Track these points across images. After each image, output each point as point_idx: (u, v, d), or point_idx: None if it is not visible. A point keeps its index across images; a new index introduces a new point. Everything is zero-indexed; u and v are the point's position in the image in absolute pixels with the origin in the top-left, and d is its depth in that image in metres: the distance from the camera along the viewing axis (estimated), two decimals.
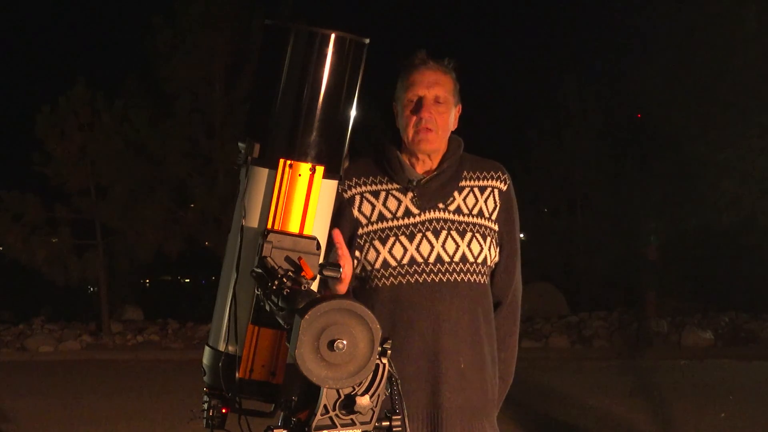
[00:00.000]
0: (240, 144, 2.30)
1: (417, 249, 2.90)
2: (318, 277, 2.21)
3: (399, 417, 2.04)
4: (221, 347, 2.29)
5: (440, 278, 2.89)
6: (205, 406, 2.31)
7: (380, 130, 15.49)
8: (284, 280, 2.05)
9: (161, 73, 16.60)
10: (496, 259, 3.00)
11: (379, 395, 1.96)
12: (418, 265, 2.89)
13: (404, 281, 2.89)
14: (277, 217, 2.23)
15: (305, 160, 2.24)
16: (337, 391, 1.93)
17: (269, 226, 2.22)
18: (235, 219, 2.29)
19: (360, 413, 1.94)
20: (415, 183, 2.92)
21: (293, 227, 2.22)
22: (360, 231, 2.92)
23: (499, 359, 3.03)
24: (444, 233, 2.91)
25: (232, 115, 16.49)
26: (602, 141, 19.88)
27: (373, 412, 1.96)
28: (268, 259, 2.15)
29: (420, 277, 2.89)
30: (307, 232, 2.23)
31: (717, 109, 16.31)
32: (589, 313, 16.68)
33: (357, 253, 2.91)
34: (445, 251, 2.90)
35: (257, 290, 2.15)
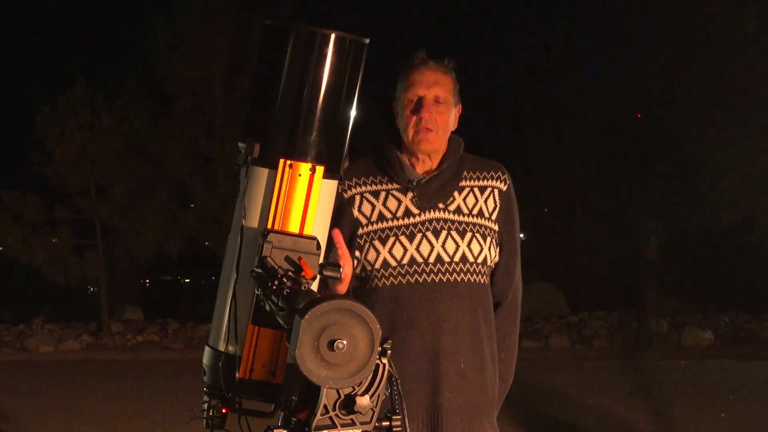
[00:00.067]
0: (240, 144, 2.30)
1: (417, 249, 2.90)
2: (318, 277, 2.21)
3: (399, 417, 2.04)
4: (221, 347, 2.29)
5: (440, 278, 2.89)
6: (205, 406, 2.31)
7: (380, 130, 15.49)
8: (284, 280, 2.05)
9: (161, 73, 16.61)
10: (496, 259, 3.00)
11: (379, 395, 1.96)
12: (418, 265, 2.89)
13: (404, 281, 2.89)
14: (277, 217, 2.23)
15: (305, 160, 2.24)
16: (337, 391, 1.93)
17: (269, 226, 2.22)
18: (235, 219, 2.29)
19: (360, 413, 1.94)
20: (415, 183, 2.92)
21: (293, 227, 2.23)
22: (360, 231, 2.91)
23: (500, 359, 3.03)
24: (444, 233, 2.91)
25: (232, 115, 16.50)
26: (602, 141, 19.88)
27: (373, 412, 1.96)
28: (268, 259, 2.15)
29: (420, 277, 2.89)
30: (307, 232, 2.23)
31: (717, 109, 16.31)
32: (589, 313, 16.69)
33: (357, 253, 2.91)
34: (445, 251, 2.90)
35: (257, 290, 2.15)
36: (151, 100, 16.87)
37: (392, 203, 2.93)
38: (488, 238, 2.96)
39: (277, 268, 2.10)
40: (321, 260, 2.23)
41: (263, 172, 2.25)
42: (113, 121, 16.59)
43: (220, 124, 16.65)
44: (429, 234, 2.91)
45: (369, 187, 2.95)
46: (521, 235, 3.12)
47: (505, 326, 3.05)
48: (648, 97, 18.04)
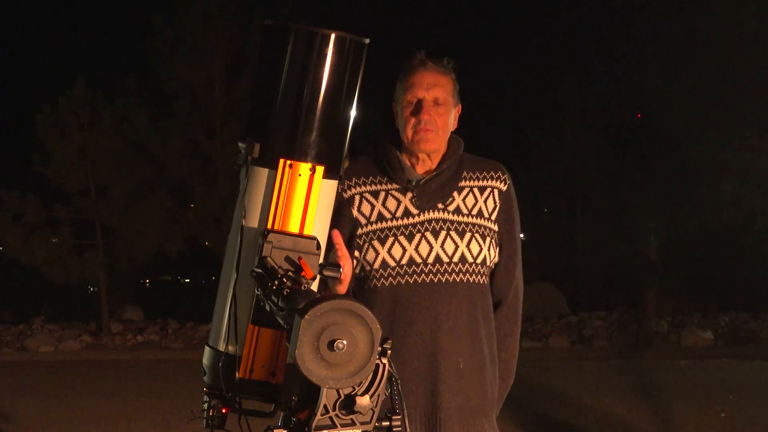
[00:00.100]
0: (240, 144, 2.30)
1: (416, 249, 2.89)
2: (318, 277, 2.21)
3: (399, 417, 2.04)
4: (221, 347, 2.29)
5: (439, 278, 2.89)
6: (205, 406, 2.31)
7: (380, 130, 15.49)
8: (284, 280, 2.05)
9: (161, 73, 16.62)
10: (496, 259, 2.99)
11: (379, 395, 1.96)
12: (417, 265, 2.89)
13: (403, 281, 2.88)
14: (277, 217, 2.23)
15: (305, 160, 2.24)
16: (337, 391, 1.93)
17: (269, 226, 2.22)
18: (235, 219, 2.29)
19: (360, 413, 1.94)
20: (414, 183, 2.92)
21: (293, 227, 2.23)
22: (359, 231, 2.91)
23: (500, 359, 3.02)
24: (443, 233, 2.91)
25: (232, 115, 16.50)
26: (602, 141, 19.87)
27: (373, 412, 1.96)
28: (268, 259, 2.15)
29: (419, 277, 2.88)
30: (307, 232, 2.23)
31: (717, 109, 16.31)
32: (589, 313, 16.69)
33: (356, 253, 2.91)
34: (444, 251, 2.90)
35: (257, 290, 2.15)
36: (151, 100, 16.87)
37: (391, 203, 2.93)
38: (488, 239, 2.95)
39: (277, 268, 2.10)
40: (321, 260, 2.23)
41: (263, 172, 2.25)
42: (113, 121, 16.59)
43: (220, 124, 16.65)
44: (428, 234, 2.90)
45: (368, 187, 2.94)
46: (521, 235, 3.12)
47: (506, 326, 3.05)
48: (648, 97, 18.05)
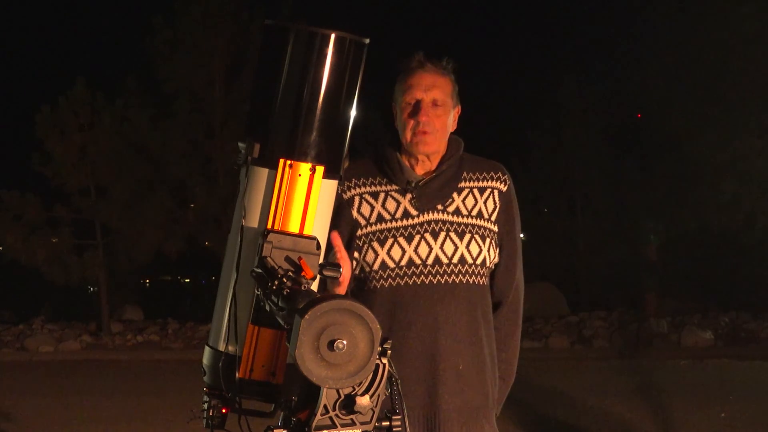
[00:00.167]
0: (240, 144, 2.29)
1: (415, 250, 2.89)
2: (318, 277, 2.21)
3: (399, 417, 2.04)
4: (221, 347, 2.29)
5: (438, 280, 2.88)
6: (205, 406, 2.31)
7: (380, 130, 15.50)
8: (284, 280, 2.05)
9: (161, 73, 16.62)
10: (496, 260, 2.99)
11: (379, 395, 1.96)
12: (417, 266, 2.88)
13: (402, 283, 2.88)
14: (277, 217, 2.23)
15: (305, 160, 2.24)
16: (337, 391, 1.93)
17: (269, 226, 2.22)
18: (235, 219, 2.29)
19: (360, 413, 1.94)
20: (413, 184, 2.92)
21: (293, 227, 2.22)
22: (359, 232, 2.91)
23: (501, 359, 3.02)
24: (443, 235, 2.91)
25: (232, 115, 16.50)
26: (602, 141, 19.88)
27: (373, 412, 1.96)
28: (268, 259, 2.14)
29: (418, 278, 2.88)
30: (307, 232, 2.23)
31: (717, 109, 16.31)
32: (589, 313, 16.69)
33: (356, 255, 2.90)
34: (444, 253, 2.90)
35: (257, 290, 2.15)
36: (151, 100, 16.88)
37: (391, 204, 2.92)
38: (487, 239, 2.95)
39: (277, 268, 2.10)
40: (321, 260, 2.23)
41: (263, 172, 2.25)
42: (113, 121, 16.60)
43: (220, 124, 16.66)
44: (427, 235, 2.90)
45: (368, 188, 2.94)
46: (521, 236, 3.12)
47: (506, 326, 3.04)
48: (648, 97, 18.05)
